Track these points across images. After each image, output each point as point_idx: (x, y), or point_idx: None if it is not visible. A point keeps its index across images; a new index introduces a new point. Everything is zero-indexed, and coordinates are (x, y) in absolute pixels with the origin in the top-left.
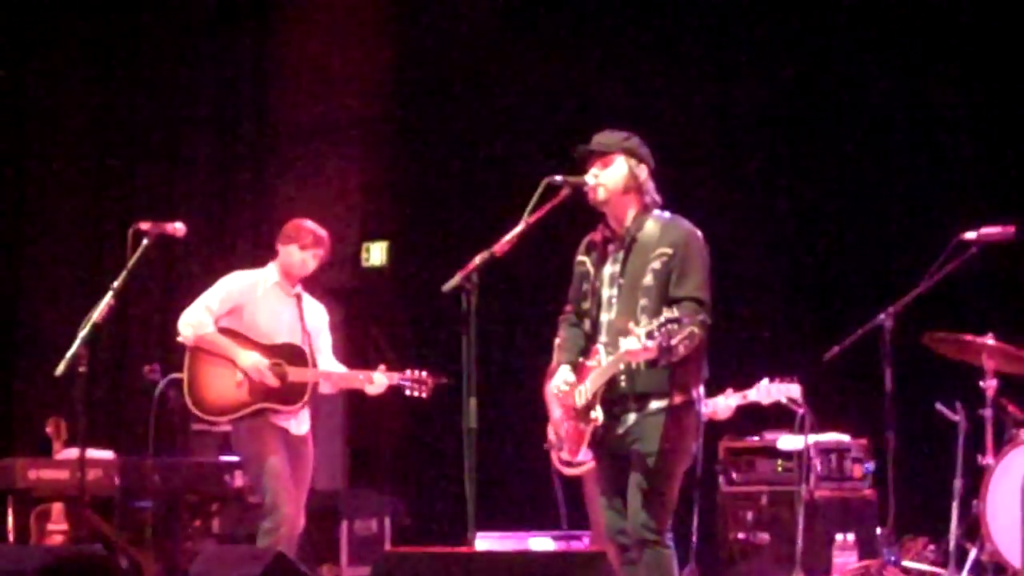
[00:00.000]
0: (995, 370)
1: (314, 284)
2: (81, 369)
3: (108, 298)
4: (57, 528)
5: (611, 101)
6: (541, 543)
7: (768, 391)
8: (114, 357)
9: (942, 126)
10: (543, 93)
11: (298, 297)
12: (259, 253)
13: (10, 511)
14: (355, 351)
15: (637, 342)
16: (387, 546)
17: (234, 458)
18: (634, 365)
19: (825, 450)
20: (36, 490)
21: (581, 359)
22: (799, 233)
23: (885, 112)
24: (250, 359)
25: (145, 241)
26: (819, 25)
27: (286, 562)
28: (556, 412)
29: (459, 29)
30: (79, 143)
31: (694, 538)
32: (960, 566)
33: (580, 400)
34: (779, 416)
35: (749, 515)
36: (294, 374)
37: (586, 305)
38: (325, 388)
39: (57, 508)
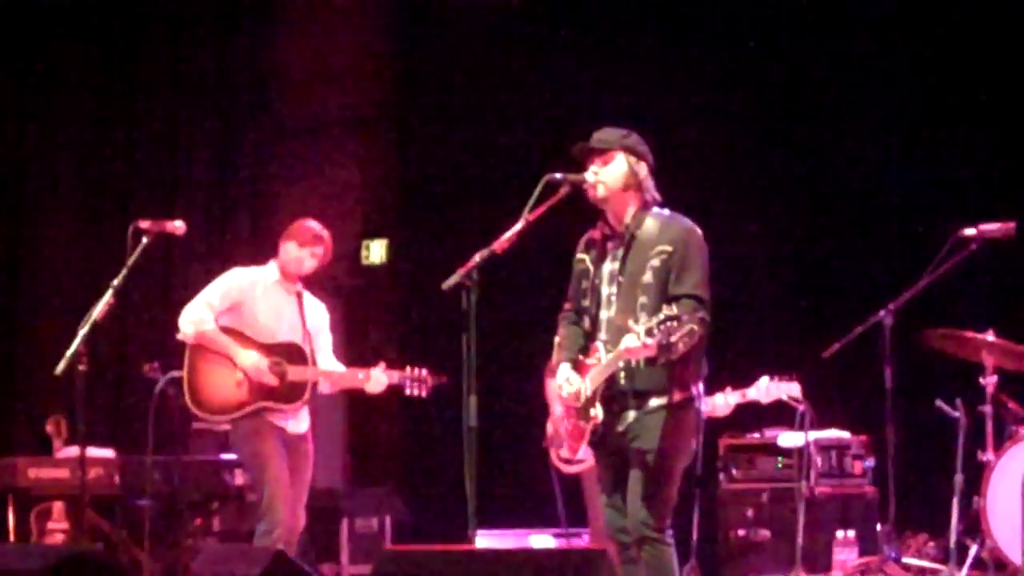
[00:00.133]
0: (995, 366)
1: (314, 282)
2: (81, 367)
3: (108, 296)
4: (57, 527)
5: (610, 98)
6: (541, 540)
7: (768, 390)
8: (114, 355)
9: (941, 122)
10: (543, 90)
11: (299, 295)
12: (259, 251)
13: (10, 510)
14: (354, 349)
15: (637, 339)
16: (388, 544)
17: (234, 456)
18: (633, 363)
19: (825, 447)
20: (36, 489)
21: (581, 357)
22: (799, 230)
23: (884, 108)
24: (249, 359)
25: (145, 239)
26: (818, 23)
27: (286, 560)
28: (556, 410)
29: (458, 27)
30: (78, 141)
31: (695, 535)
32: (961, 562)
33: (580, 398)
34: (779, 413)
35: (750, 512)
36: (294, 373)
37: (586, 303)
38: (325, 387)
39: (57, 507)
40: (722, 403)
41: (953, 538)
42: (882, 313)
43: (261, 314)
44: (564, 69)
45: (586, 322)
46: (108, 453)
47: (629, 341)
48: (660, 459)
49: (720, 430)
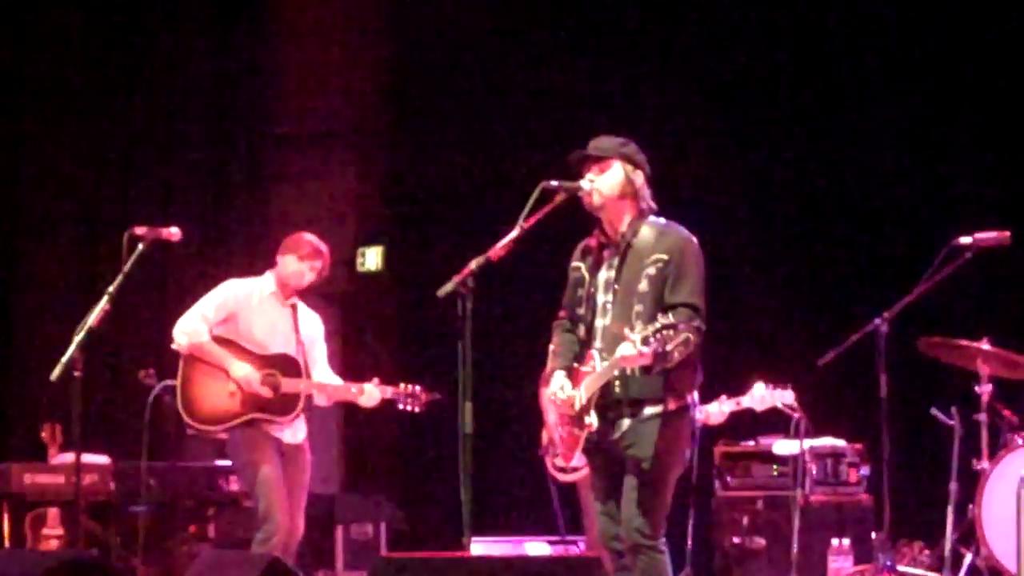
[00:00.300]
0: (990, 375)
1: (309, 289)
2: (76, 374)
3: (103, 303)
4: (52, 533)
5: (606, 106)
6: (537, 548)
7: (762, 397)
8: (109, 362)
9: (937, 131)
10: (538, 98)
11: (294, 307)
12: (254, 257)
13: (5, 516)
14: (350, 356)
15: (632, 348)
16: (383, 551)
17: (229, 463)
18: (629, 371)
19: (820, 455)
20: (31, 495)
21: (575, 365)
22: (794, 238)
23: (880, 116)
24: (242, 370)
25: (140, 246)
26: (815, 29)
27: (282, 567)
28: (551, 417)
29: (454, 35)
30: (75, 147)
31: (690, 543)
32: (955, 571)
33: (575, 406)
34: (775, 421)
35: (745, 520)
36: (287, 385)
37: (581, 311)
38: (319, 400)
39: (52, 513)
40: (716, 411)
41: (948, 546)
42: (877, 321)
43: (256, 326)
44: (559, 77)
45: (581, 330)
46: (103, 459)
47: (625, 349)
48: (654, 467)
49: (715, 438)
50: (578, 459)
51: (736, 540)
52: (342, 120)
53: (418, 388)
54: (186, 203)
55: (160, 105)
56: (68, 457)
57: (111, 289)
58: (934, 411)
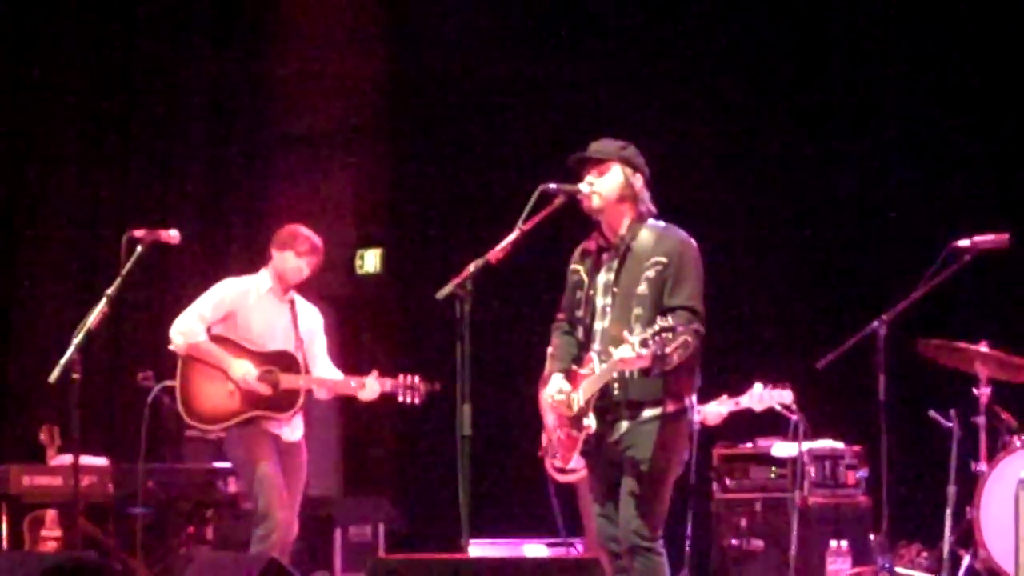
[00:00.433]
0: (988, 377)
1: (308, 291)
2: (75, 376)
3: (102, 305)
4: (51, 535)
5: (606, 108)
6: (535, 550)
7: (761, 397)
8: (108, 364)
9: (936, 133)
10: (537, 100)
11: (292, 303)
12: (253, 260)
13: (3, 518)
14: (349, 358)
15: (631, 350)
16: (381, 553)
17: (227, 464)
18: (627, 373)
19: (819, 457)
20: (29, 497)
21: (574, 367)
22: (793, 240)
23: (879, 118)
24: (241, 369)
25: (139, 248)
26: (815, 33)
27: (279, 568)
28: (549, 419)
29: (453, 37)
30: (73, 150)
31: (688, 545)
32: (954, 573)
33: (573, 408)
34: (773, 423)
35: (743, 522)
36: (286, 381)
37: (579, 313)
38: (320, 394)
39: (51, 515)
40: (713, 412)
41: (946, 548)
42: (876, 323)
43: (254, 323)
44: (559, 79)
45: (579, 332)
46: (101, 461)
47: (624, 352)
48: (653, 469)
49: (714, 440)
50: (576, 461)
51: (734, 542)
52: (341, 122)
53: (417, 379)
54: (185, 205)
55: (159, 108)
56: (66, 459)
57: (110, 291)
58: (932, 413)
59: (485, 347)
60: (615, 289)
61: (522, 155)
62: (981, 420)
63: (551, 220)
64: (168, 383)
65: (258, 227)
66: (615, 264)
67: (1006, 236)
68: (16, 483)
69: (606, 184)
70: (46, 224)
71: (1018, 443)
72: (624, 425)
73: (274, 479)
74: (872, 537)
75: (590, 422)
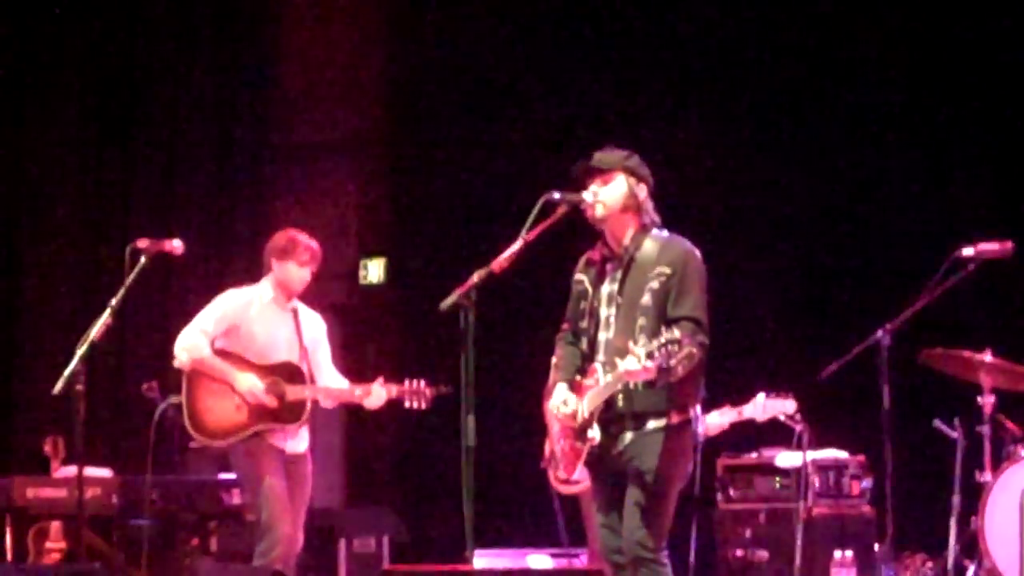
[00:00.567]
0: (993, 387)
1: (311, 301)
2: (79, 387)
3: (106, 316)
4: (55, 546)
5: (608, 117)
6: (539, 560)
7: (764, 407)
8: (112, 375)
9: (940, 143)
10: (540, 110)
11: (294, 312)
12: (257, 270)
13: (8, 529)
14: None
15: (637, 362)
16: (385, 564)
17: (232, 476)
18: (632, 384)
19: (823, 467)
20: (34, 508)
21: (578, 378)
22: (796, 249)
23: (882, 127)
24: (247, 382)
25: (143, 259)
26: (818, 44)
27: None
28: (553, 430)
29: (456, 47)
30: (76, 160)
31: (692, 556)
32: None
33: (577, 419)
34: (777, 433)
35: (747, 532)
36: (292, 392)
37: (584, 324)
38: (326, 403)
39: (55, 526)
40: (715, 422)
41: (951, 558)
42: (880, 333)
43: (257, 335)
44: (561, 88)
45: (584, 343)
46: (106, 473)
47: (629, 364)
48: (657, 480)
49: (718, 450)
50: (580, 472)
51: (739, 553)
52: (345, 132)
53: (422, 384)
54: (189, 216)
55: (163, 118)
56: (71, 470)
57: (114, 302)
58: (937, 423)
59: (489, 357)
60: (619, 299)
61: (526, 165)
62: (985, 430)
63: (555, 230)
64: (174, 399)
65: (262, 237)
66: (619, 274)
67: (1010, 245)
68: (20, 495)
69: (610, 194)
70: (50, 235)
71: (1022, 453)
72: (628, 436)
73: (279, 493)
74: (877, 547)
75: (594, 433)
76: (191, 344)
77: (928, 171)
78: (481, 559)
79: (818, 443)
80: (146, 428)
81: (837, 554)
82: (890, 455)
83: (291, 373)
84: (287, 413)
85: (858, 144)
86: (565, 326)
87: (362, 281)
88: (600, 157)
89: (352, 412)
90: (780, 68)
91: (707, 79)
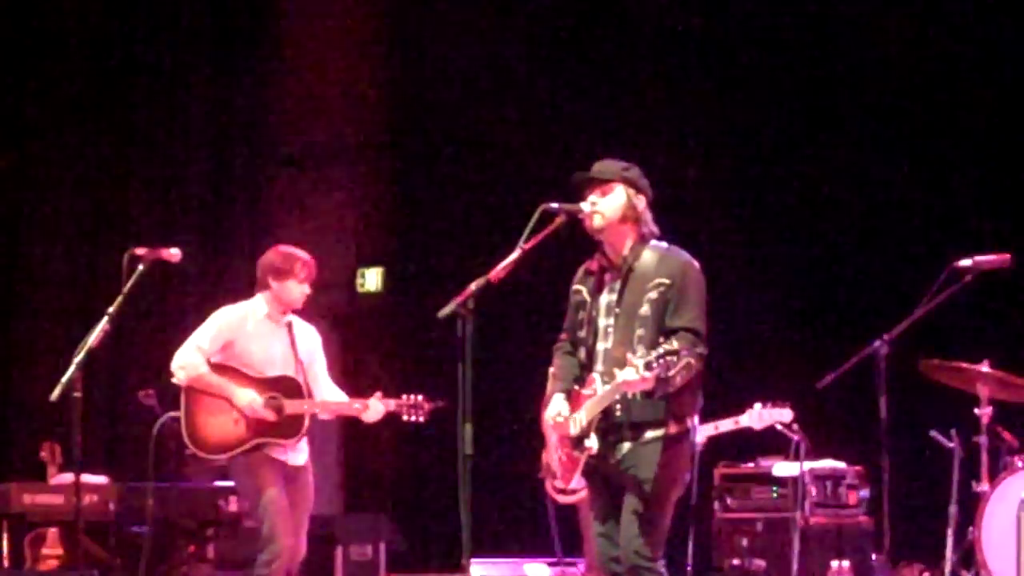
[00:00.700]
0: (990, 397)
1: (308, 310)
2: (76, 394)
3: (103, 323)
4: (52, 553)
5: (607, 127)
6: (536, 569)
7: (760, 416)
8: (109, 383)
9: (938, 153)
10: (539, 120)
11: (289, 326)
12: (254, 279)
13: (5, 536)
14: (350, 377)
15: (635, 373)
16: (382, 572)
17: (230, 483)
18: (630, 394)
19: (820, 477)
20: (31, 515)
21: (576, 387)
22: (795, 260)
23: (881, 138)
24: (245, 397)
25: (140, 266)
26: (816, 52)
27: None
28: (551, 440)
29: (454, 56)
30: (75, 168)
31: (689, 565)
32: None
33: (575, 429)
34: (774, 443)
35: (744, 542)
36: (290, 407)
37: (582, 334)
38: (324, 415)
39: (52, 533)
40: (708, 431)
41: (948, 569)
42: (877, 343)
43: (254, 350)
44: (560, 98)
45: (582, 353)
46: (103, 480)
47: (627, 374)
48: (654, 489)
49: (716, 460)
50: (577, 481)
51: (736, 562)
52: (342, 142)
53: (420, 397)
54: (186, 224)
55: (161, 127)
56: (67, 477)
57: (111, 310)
58: (934, 433)
59: (486, 367)
60: (617, 310)
61: (523, 174)
62: (983, 440)
63: (553, 240)
64: (173, 413)
65: (259, 245)
66: (617, 285)
67: (1008, 256)
68: (17, 501)
69: (608, 204)
70: (47, 242)
71: (1019, 463)
72: (626, 446)
73: (280, 505)
74: (874, 557)
75: (592, 443)
76: (187, 362)
77: (926, 182)
78: (478, 567)
79: (815, 453)
80: (143, 435)
81: (834, 564)
82: (887, 465)
83: (289, 387)
84: (286, 427)
85: (856, 155)
86: (563, 336)
87: (360, 290)
88: (599, 168)
89: (350, 420)
90: (779, 80)
91: (707, 92)
